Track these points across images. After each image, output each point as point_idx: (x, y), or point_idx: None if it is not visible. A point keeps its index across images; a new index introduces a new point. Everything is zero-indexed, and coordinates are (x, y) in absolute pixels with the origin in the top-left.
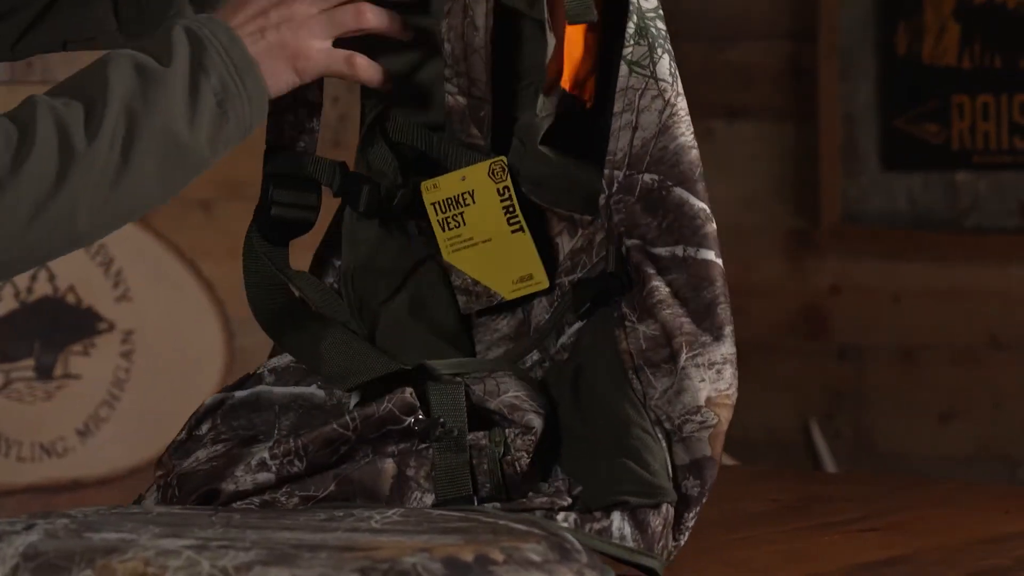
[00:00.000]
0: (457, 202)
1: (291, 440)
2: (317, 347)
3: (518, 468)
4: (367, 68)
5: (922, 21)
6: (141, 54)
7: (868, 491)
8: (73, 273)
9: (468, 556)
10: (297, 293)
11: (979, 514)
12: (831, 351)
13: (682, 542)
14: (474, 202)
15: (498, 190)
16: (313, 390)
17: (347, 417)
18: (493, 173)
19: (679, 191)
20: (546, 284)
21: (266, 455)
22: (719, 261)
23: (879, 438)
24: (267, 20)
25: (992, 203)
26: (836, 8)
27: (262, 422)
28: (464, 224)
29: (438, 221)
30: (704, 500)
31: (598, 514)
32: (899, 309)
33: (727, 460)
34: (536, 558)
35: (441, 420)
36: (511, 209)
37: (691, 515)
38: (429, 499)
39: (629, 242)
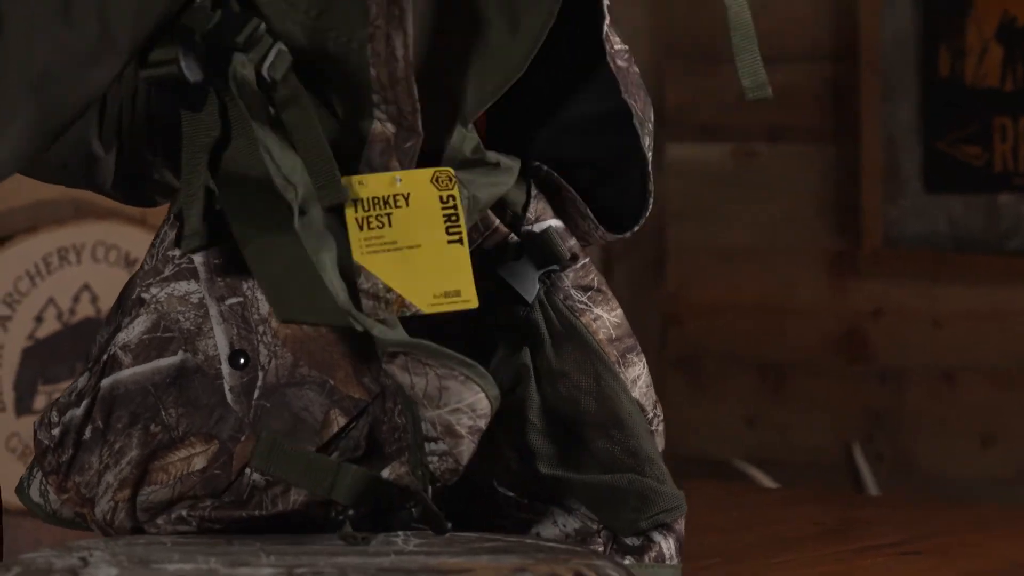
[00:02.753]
0: (386, 202)
1: (207, 510)
2: (264, 255)
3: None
4: None
5: (964, 42)
6: None
7: (910, 514)
8: (115, 294)
9: (568, 575)
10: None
11: (1022, 537)
12: (872, 373)
13: None
14: (408, 206)
15: (441, 198)
16: (180, 357)
17: (262, 506)
18: (437, 181)
19: None
20: (475, 303)
21: (184, 512)
22: None
23: (921, 460)
24: None
25: None
26: (877, 29)
27: (144, 410)
28: (389, 226)
29: (356, 219)
30: None
31: (634, 540)
32: (940, 331)
33: (767, 482)
34: (613, 575)
35: (345, 516)
36: (454, 218)
37: None
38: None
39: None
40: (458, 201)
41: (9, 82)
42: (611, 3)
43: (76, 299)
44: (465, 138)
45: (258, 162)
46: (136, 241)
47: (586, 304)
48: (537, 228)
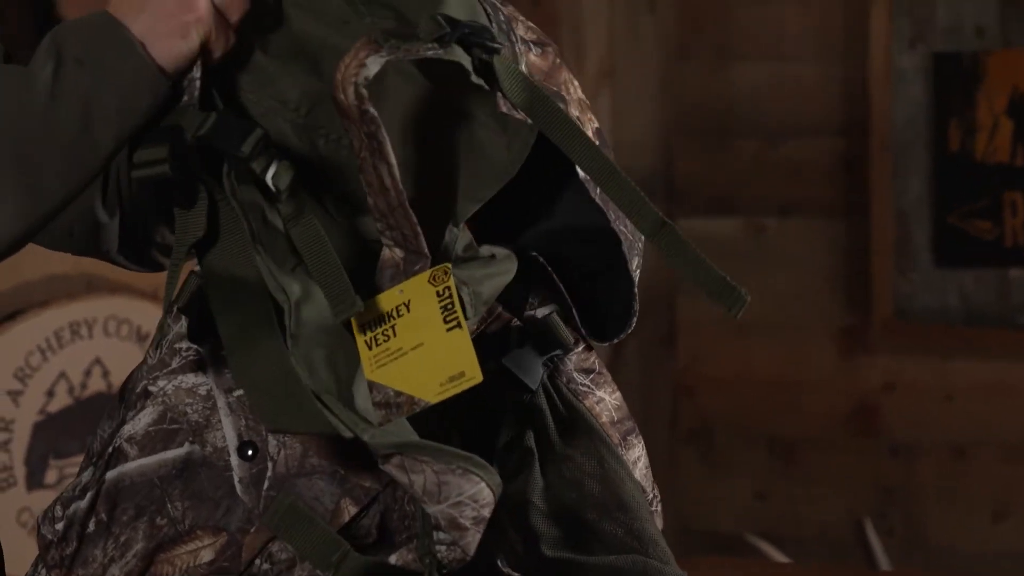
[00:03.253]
0: (390, 316)
1: None
2: (249, 363)
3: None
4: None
5: (975, 118)
6: (5, 66)
7: None
8: (127, 369)
9: None
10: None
11: None
12: (883, 448)
13: None
14: (409, 311)
15: (437, 292)
16: (187, 449)
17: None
18: (434, 279)
19: None
20: (479, 378)
21: None
22: None
23: (932, 535)
24: None
25: None
26: (888, 104)
27: (150, 502)
28: (394, 336)
29: (365, 341)
30: None
31: None
32: (951, 406)
33: (778, 557)
34: None
35: None
36: (449, 307)
37: None
38: None
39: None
40: (453, 290)
41: None
42: (620, 82)
43: (88, 373)
44: (457, 237)
45: (247, 262)
46: (148, 315)
47: (588, 387)
48: (539, 314)
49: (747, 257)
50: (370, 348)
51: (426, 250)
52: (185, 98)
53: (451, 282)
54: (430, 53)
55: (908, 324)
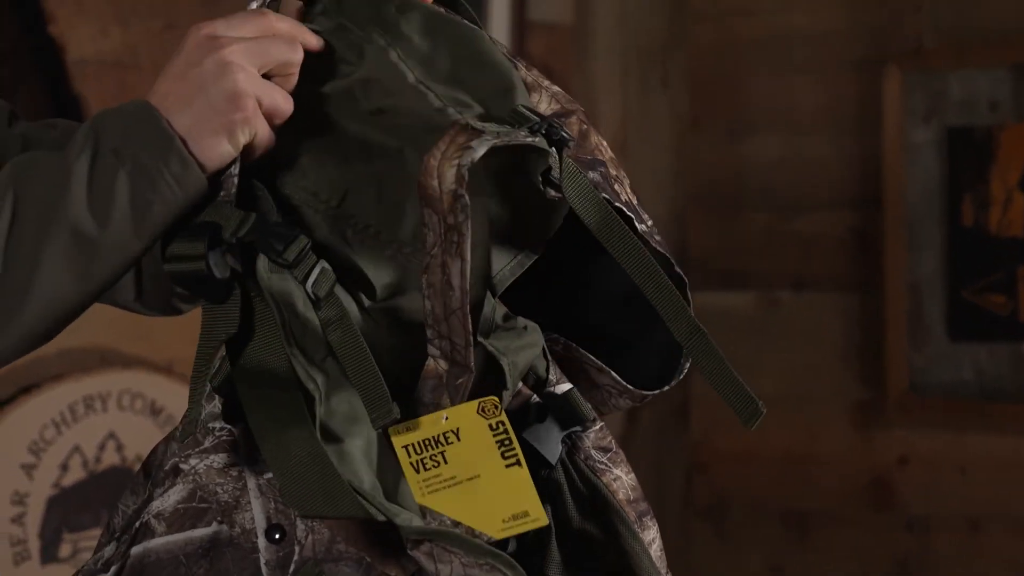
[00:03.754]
0: (437, 442)
1: None
2: (280, 450)
3: None
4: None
5: (988, 192)
6: (41, 152)
7: None
8: (141, 443)
9: None
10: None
11: None
12: (898, 521)
13: None
14: (459, 440)
15: (490, 425)
16: (214, 528)
17: None
18: (483, 411)
19: None
20: (545, 521)
21: None
22: None
23: None
24: (195, 79)
25: None
26: (902, 178)
27: None
28: (445, 463)
29: (411, 463)
30: None
31: None
32: (966, 480)
33: None
34: None
35: None
36: (507, 443)
37: None
38: None
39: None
40: (508, 426)
41: (17, 279)
42: (633, 156)
43: (102, 447)
44: (495, 308)
45: (278, 354)
46: (162, 390)
47: (606, 464)
48: (559, 390)
49: (760, 331)
50: (417, 471)
51: (472, 364)
52: (222, 194)
53: (503, 416)
54: (529, 140)
55: (922, 398)
